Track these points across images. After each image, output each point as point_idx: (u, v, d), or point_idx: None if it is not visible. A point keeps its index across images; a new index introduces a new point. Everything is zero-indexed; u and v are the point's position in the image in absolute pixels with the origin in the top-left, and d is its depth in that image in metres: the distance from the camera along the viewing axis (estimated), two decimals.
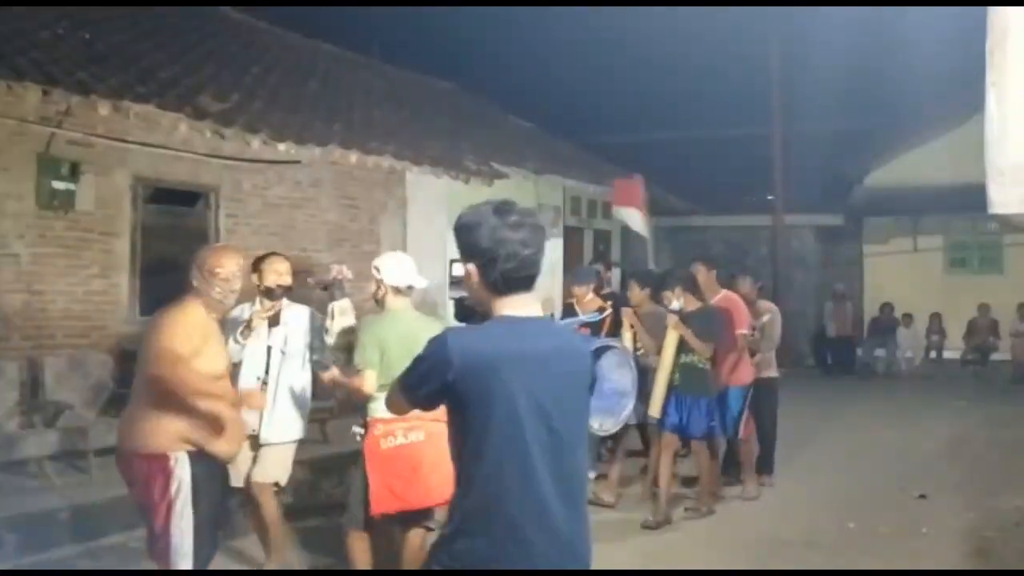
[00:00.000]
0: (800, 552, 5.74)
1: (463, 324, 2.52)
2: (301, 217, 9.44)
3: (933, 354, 16.60)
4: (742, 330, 6.84)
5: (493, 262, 2.26)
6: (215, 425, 3.65)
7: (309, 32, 13.31)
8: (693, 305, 6.34)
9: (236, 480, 4.77)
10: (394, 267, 4.34)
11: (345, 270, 4.81)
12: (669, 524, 6.26)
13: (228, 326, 4.79)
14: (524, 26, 20.56)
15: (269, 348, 4.81)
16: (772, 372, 7.39)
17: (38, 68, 6.56)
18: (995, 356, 15.87)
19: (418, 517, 4.39)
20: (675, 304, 6.25)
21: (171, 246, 7.88)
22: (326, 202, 9.75)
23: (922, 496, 7.13)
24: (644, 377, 6.28)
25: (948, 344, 16.52)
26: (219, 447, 3.69)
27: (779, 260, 16.71)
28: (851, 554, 5.71)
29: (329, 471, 6.68)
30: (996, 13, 3.47)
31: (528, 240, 2.28)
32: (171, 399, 3.54)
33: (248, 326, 4.68)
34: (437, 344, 2.25)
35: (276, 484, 4.86)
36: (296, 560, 5.19)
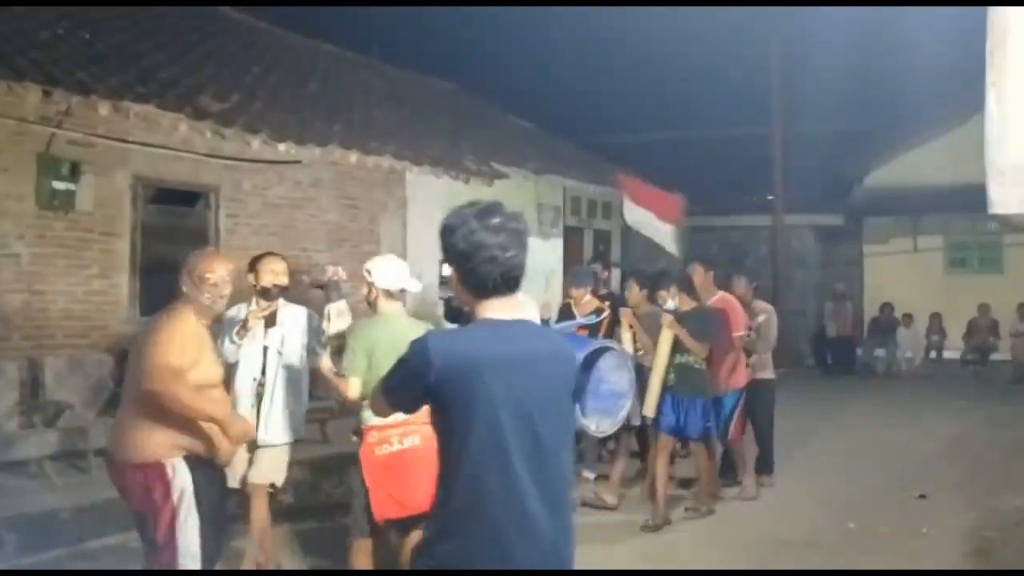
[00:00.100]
0: (800, 552, 5.73)
1: (454, 324, 2.51)
2: (301, 217, 9.44)
3: (933, 354, 16.60)
4: (739, 332, 6.84)
5: (472, 265, 2.26)
6: (209, 430, 3.63)
7: (309, 32, 13.31)
8: (688, 305, 6.31)
9: (233, 481, 4.76)
10: (386, 270, 4.29)
11: (340, 271, 4.79)
12: (669, 525, 6.26)
13: (224, 326, 4.78)
14: (524, 26, 20.57)
15: (266, 349, 4.76)
16: (768, 374, 7.37)
17: (38, 68, 6.56)
18: (995, 356, 15.87)
19: (417, 521, 4.38)
20: (670, 304, 6.22)
21: (171, 246, 7.87)
22: (326, 202, 9.75)
23: (922, 496, 7.13)
24: (643, 378, 6.28)
25: (948, 344, 16.52)
26: (214, 450, 3.67)
27: (779, 260, 16.72)
28: (851, 554, 5.71)
29: (329, 471, 6.68)
30: (996, 13, 3.48)
31: (508, 243, 2.26)
32: (164, 409, 3.52)
33: (244, 326, 4.65)
34: (418, 347, 2.24)
35: (272, 486, 4.84)
36: (286, 562, 5.18)
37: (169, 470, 3.54)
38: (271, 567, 4.92)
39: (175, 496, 3.53)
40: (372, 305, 4.32)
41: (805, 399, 12.39)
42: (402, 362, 2.29)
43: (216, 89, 8.36)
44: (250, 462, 4.75)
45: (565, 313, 7.02)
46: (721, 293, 6.97)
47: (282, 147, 8.20)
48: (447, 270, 2.42)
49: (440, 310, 9.52)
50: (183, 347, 3.57)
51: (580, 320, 6.70)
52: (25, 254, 7.04)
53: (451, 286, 2.36)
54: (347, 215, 9.98)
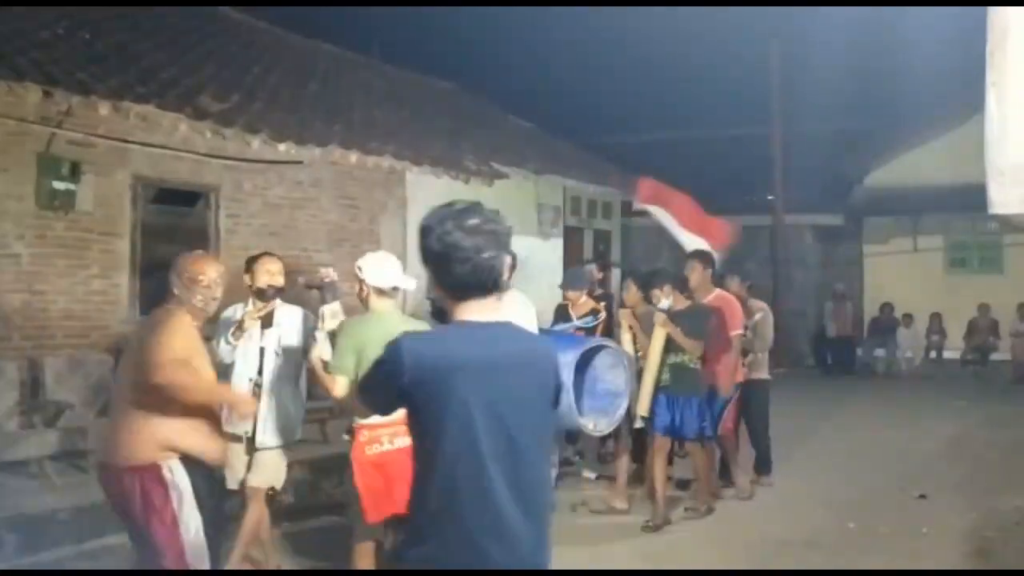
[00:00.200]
0: (800, 552, 5.73)
1: (440, 324, 2.49)
2: (301, 217, 9.44)
3: (933, 354, 16.60)
4: (738, 331, 6.82)
5: (447, 266, 2.24)
6: (205, 429, 3.64)
7: (309, 32, 13.31)
8: (682, 304, 6.28)
9: (232, 483, 4.75)
10: (377, 267, 4.23)
11: (332, 272, 4.78)
12: (669, 525, 6.25)
13: (220, 327, 4.76)
14: (524, 26, 20.58)
15: (262, 350, 4.74)
16: (763, 374, 7.36)
17: (38, 68, 6.56)
18: (995, 356, 15.87)
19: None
20: (664, 303, 6.19)
21: (171, 246, 7.85)
22: (326, 202, 9.75)
23: (922, 496, 7.12)
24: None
25: (948, 344, 16.53)
26: (208, 452, 3.67)
27: (779, 260, 16.72)
28: (851, 554, 5.71)
29: (329, 471, 6.67)
30: (996, 13, 3.47)
31: (484, 245, 2.23)
32: (163, 407, 3.50)
33: (239, 327, 4.63)
34: (392, 348, 2.21)
35: (271, 489, 4.82)
36: (286, 563, 5.17)
37: (167, 472, 3.53)
38: (271, 567, 4.92)
39: (174, 498, 3.52)
40: (364, 303, 4.29)
41: (805, 399, 12.40)
42: (377, 363, 2.28)
43: (216, 89, 8.36)
44: (249, 465, 4.74)
45: (561, 315, 6.99)
46: (718, 291, 6.94)
47: (282, 147, 8.20)
48: None
49: None
50: (184, 343, 3.58)
51: (577, 323, 6.69)
52: (25, 254, 7.04)
53: (431, 286, 2.34)
54: (347, 215, 9.98)
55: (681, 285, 6.37)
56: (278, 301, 4.82)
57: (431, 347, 2.22)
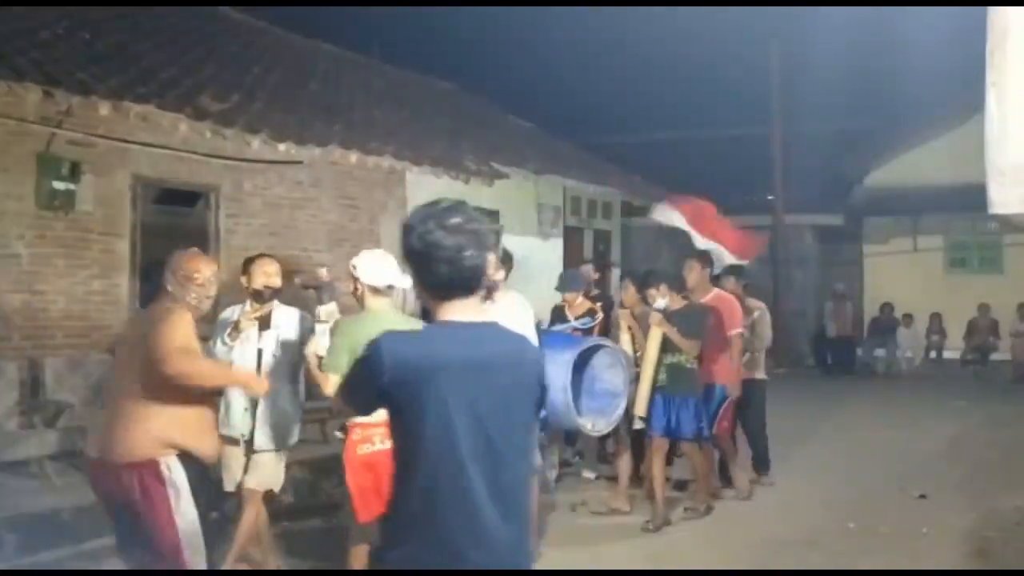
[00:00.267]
0: (800, 552, 5.73)
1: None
2: (301, 217, 9.44)
3: (933, 354, 16.61)
4: (738, 330, 6.82)
5: (428, 265, 2.22)
6: (201, 426, 3.64)
7: (309, 32, 13.31)
8: (678, 303, 6.26)
9: (229, 485, 4.75)
10: (371, 266, 4.20)
11: (326, 272, 4.76)
12: (669, 525, 6.25)
13: (217, 328, 4.75)
14: (524, 26, 20.57)
15: (260, 352, 4.71)
16: (760, 374, 7.35)
17: (38, 68, 6.56)
18: (995, 356, 15.88)
19: None
20: (660, 302, 6.17)
21: (171, 246, 7.80)
22: (326, 202, 9.75)
23: (922, 496, 7.13)
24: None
25: (948, 344, 16.53)
26: (203, 449, 3.68)
27: (779, 260, 16.72)
28: (851, 554, 5.71)
29: (329, 471, 6.66)
30: (996, 13, 3.48)
31: (466, 244, 2.20)
32: (164, 403, 3.51)
33: (235, 328, 4.61)
34: (372, 347, 2.19)
35: (269, 491, 4.81)
36: (285, 563, 5.18)
37: (164, 468, 3.53)
38: (270, 567, 4.92)
39: (172, 494, 3.52)
40: (360, 301, 4.28)
41: (805, 399, 12.40)
42: (358, 362, 2.26)
43: (216, 89, 8.35)
44: (246, 467, 4.73)
45: (558, 316, 6.99)
46: (716, 291, 6.94)
47: (282, 147, 8.20)
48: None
49: None
50: (185, 335, 3.58)
51: (574, 323, 6.69)
52: (25, 254, 7.04)
53: (413, 286, 2.33)
54: (347, 215, 9.98)
55: (677, 285, 6.35)
56: (276, 303, 4.80)
57: (411, 347, 2.20)
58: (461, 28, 20.46)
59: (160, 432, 3.54)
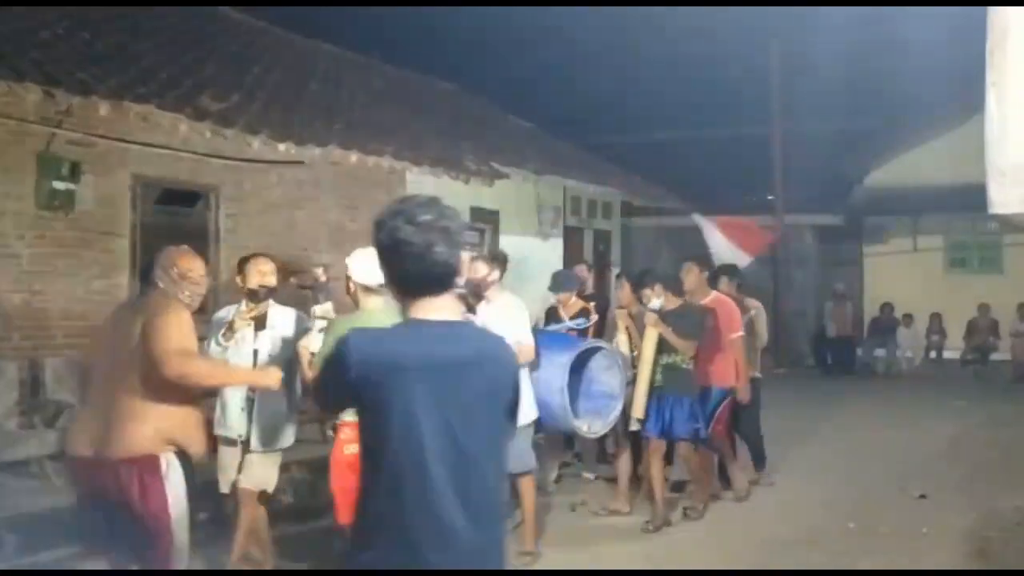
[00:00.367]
0: (800, 552, 5.73)
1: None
2: (301, 217, 9.44)
3: (933, 354, 16.62)
4: (738, 333, 6.81)
5: (397, 262, 2.20)
6: (193, 422, 3.64)
7: (309, 32, 13.30)
8: (673, 303, 6.26)
9: (224, 487, 4.74)
10: (364, 265, 4.14)
11: (322, 272, 4.75)
12: (669, 526, 6.25)
13: (212, 327, 4.74)
14: (524, 26, 20.55)
15: (256, 352, 4.69)
16: (755, 372, 7.34)
17: (38, 68, 6.55)
18: (995, 356, 15.88)
19: None
20: (655, 303, 6.16)
21: (171, 246, 7.86)
22: (326, 202, 9.74)
23: (922, 496, 7.13)
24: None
25: (948, 344, 16.54)
26: (195, 448, 3.67)
27: (779, 260, 16.73)
28: (852, 554, 5.71)
29: (329, 471, 6.66)
30: (996, 13, 3.48)
31: (435, 242, 2.16)
32: (163, 399, 3.50)
33: (230, 327, 4.59)
34: (339, 344, 2.16)
35: (263, 492, 4.80)
36: (285, 563, 5.18)
37: (164, 464, 3.52)
38: (270, 567, 4.92)
39: (170, 490, 3.51)
40: (354, 300, 4.27)
41: (805, 399, 12.41)
42: (326, 359, 2.23)
43: (216, 89, 8.35)
44: (240, 468, 4.71)
45: (552, 316, 7.01)
46: (715, 293, 6.94)
47: (282, 147, 8.20)
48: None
49: None
50: (188, 334, 3.58)
51: (568, 323, 6.70)
52: (25, 254, 7.04)
53: (386, 283, 2.30)
54: (347, 215, 9.98)
55: (672, 285, 6.34)
56: (271, 302, 4.78)
57: (378, 344, 2.16)
58: (461, 28, 20.45)
59: (161, 428, 3.53)
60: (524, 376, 5.32)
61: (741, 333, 6.85)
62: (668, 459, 6.57)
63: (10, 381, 6.69)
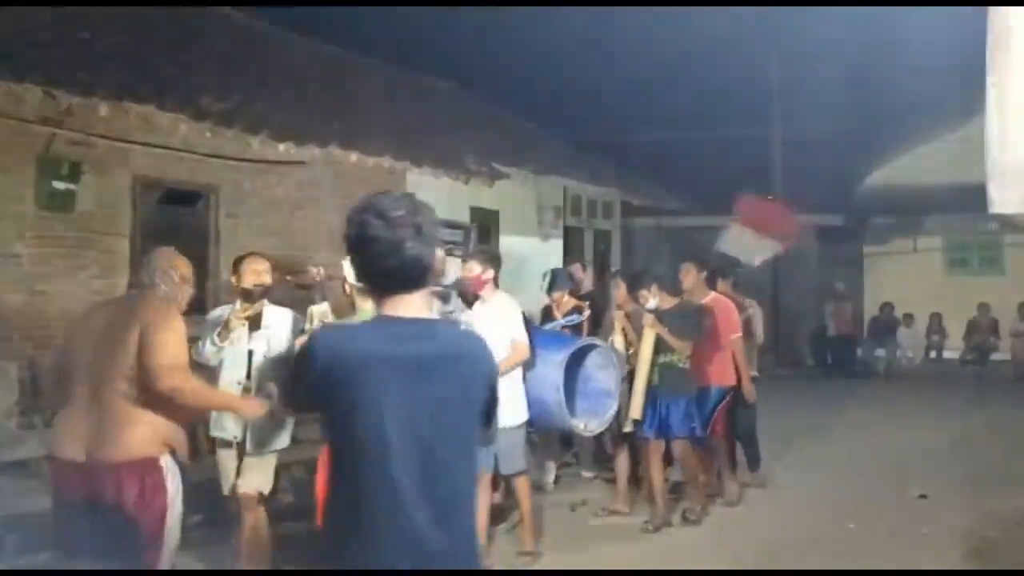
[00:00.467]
0: (800, 552, 5.74)
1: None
2: (301, 217, 9.44)
3: (933, 354, 16.63)
4: (737, 334, 6.81)
5: (366, 258, 2.16)
6: (182, 424, 3.64)
7: (309, 32, 13.29)
8: (669, 303, 6.25)
9: (225, 489, 4.73)
10: None
11: (320, 272, 4.73)
12: (669, 526, 6.25)
13: (207, 327, 4.72)
14: (524, 26, 20.55)
15: (251, 352, 4.66)
16: (751, 371, 7.34)
17: (38, 68, 6.55)
18: (995, 356, 15.89)
19: None
20: (651, 303, 6.16)
21: (172, 246, 7.85)
22: (326, 202, 9.74)
23: (922, 496, 7.13)
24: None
25: (948, 344, 16.55)
26: (183, 450, 3.66)
27: (779, 260, 16.70)
28: (851, 554, 5.72)
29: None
30: (996, 13, 3.48)
31: (405, 238, 2.11)
32: (161, 403, 3.48)
33: (225, 327, 4.56)
34: (307, 342, 2.13)
35: (259, 493, 4.80)
36: (285, 563, 5.18)
37: (164, 466, 3.51)
38: (270, 567, 4.92)
39: (170, 491, 3.49)
40: (350, 300, 4.26)
41: (805, 399, 12.41)
42: (295, 358, 2.21)
43: (216, 89, 8.35)
44: (238, 471, 4.71)
45: (547, 315, 7.05)
46: (713, 294, 6.95)
47: (282, 147, 8.20)
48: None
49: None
50: (183, 348, 3.57)
51: (562, 321, 6.73)
52: (25, 254, 7.04)
53: (356, 279, 2.27)
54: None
55: (669, 285, 6.33)
56: (266, 302, 4.75)
57: (346, 342, 2.12)
58: (461, 28, 20.44)
59: (157, 430, 3.51)
60: (515, 376, 5.33)
61: (739, 334, 6.85)
62: (668, 460, 6.56)
63: (10, 381, 6.68)
